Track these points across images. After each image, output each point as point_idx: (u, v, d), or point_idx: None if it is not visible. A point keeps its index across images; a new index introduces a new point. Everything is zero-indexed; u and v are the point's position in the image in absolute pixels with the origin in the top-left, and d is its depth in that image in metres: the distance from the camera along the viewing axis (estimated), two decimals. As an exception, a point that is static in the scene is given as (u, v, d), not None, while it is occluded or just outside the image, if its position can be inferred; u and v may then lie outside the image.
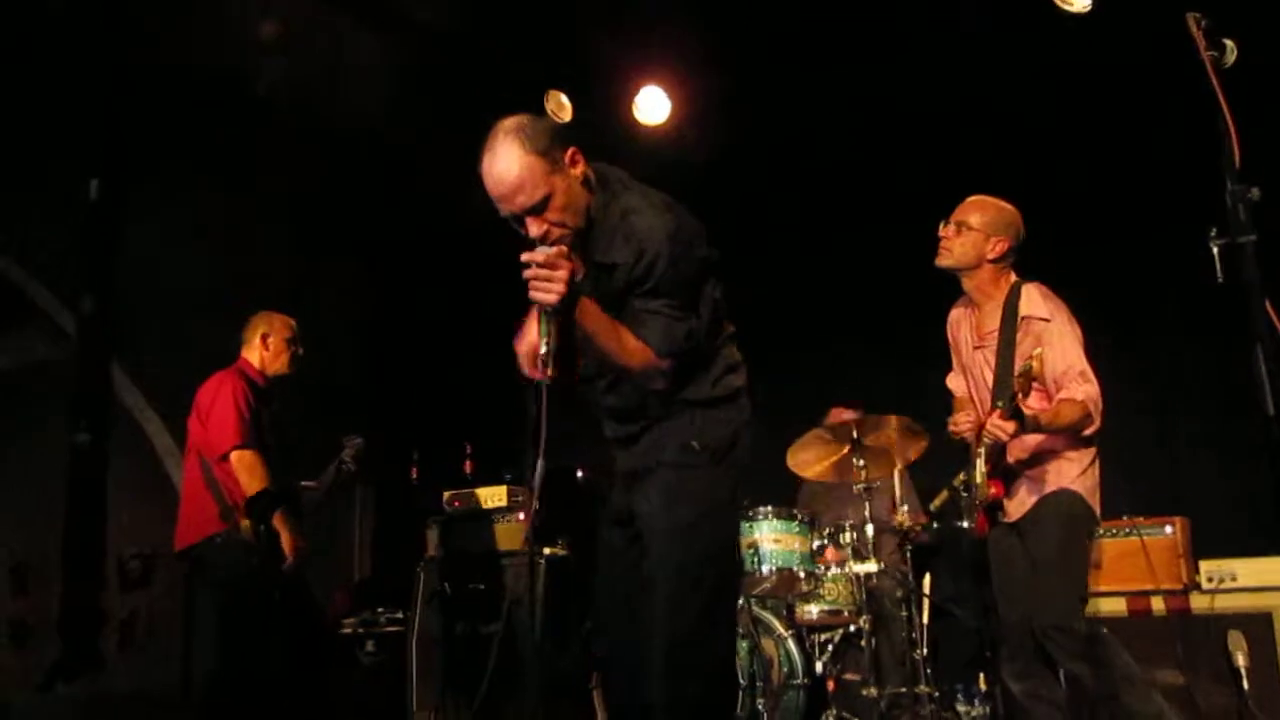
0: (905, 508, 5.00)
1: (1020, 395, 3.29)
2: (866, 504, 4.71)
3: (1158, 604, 4.50)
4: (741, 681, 4.41)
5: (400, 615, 6.26)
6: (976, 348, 3.70)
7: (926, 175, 6.21)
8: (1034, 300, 3.54)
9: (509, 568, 5.66)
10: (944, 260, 3.68)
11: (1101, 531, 4.50)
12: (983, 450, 3.57)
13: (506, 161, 2.52)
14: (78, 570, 2.89)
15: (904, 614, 4.75)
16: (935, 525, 5.02)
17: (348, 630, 6.30)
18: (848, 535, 4.85)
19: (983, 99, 5.77)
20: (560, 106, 6.38)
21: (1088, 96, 5.54)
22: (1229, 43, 2.24)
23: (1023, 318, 3.52)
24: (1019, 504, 3.55)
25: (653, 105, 6.30)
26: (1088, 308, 3.74)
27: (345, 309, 7.39)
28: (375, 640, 6.38)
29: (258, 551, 4.31)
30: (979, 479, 3.59)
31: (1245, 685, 4.27)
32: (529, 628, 5.43)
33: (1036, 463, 3.53)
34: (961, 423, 3.68)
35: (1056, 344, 3.44)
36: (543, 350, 2.49)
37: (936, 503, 5.07)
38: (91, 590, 2.95)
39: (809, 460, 5.02)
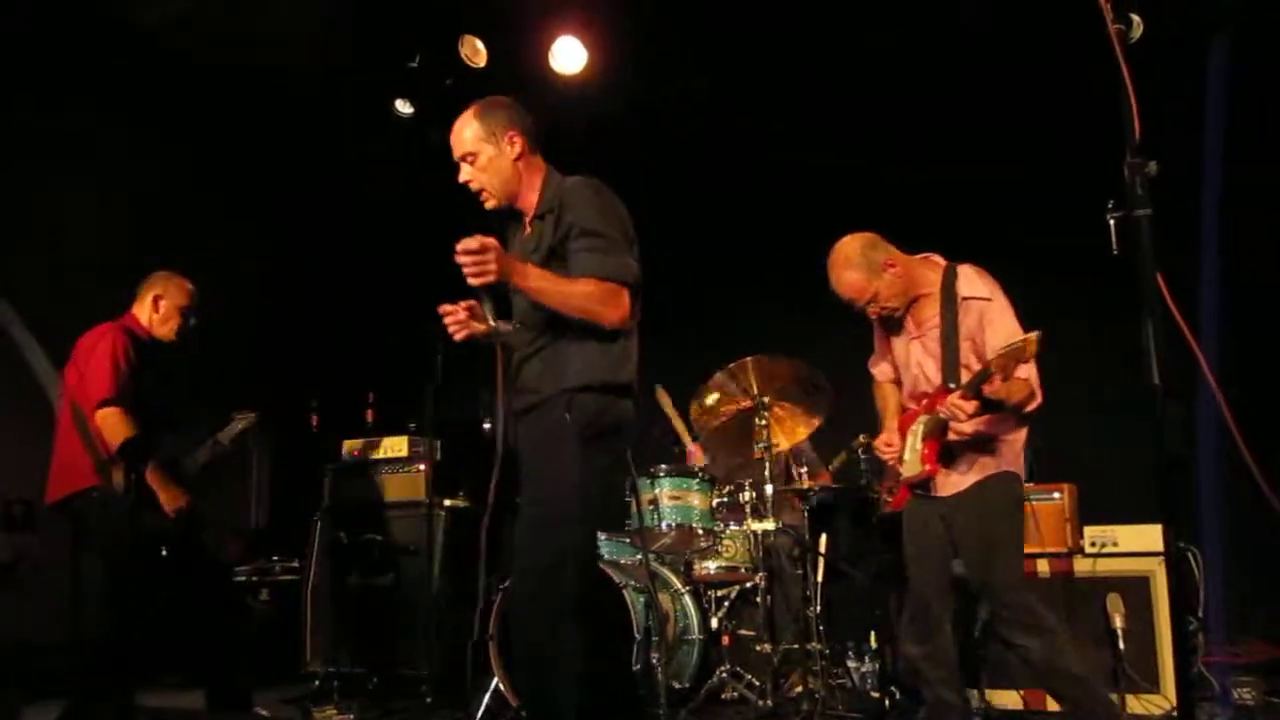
0: (805, 469, 5.05)
1: (1000, 376, 3.26)
2: (766, 462, 4.74)
3: (1043, 566, 4.64)
4: (636, 635, 4.42)
5: (295, 564, 6.17)
6: (914, 339, 3.69)
7: (836, 137, 6.27)
8: (972, 281, 3.55)
9: (406, 518, 5.61)
10: (895, 315, 3.69)
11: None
12: (920, 428, 3.59)
13: (460, 117, 3.16)
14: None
15: (799, 572, 4.81)
16: (834, 485, 5.09)
17: (241, 578, 6.20)
18: (747, 494, 4.87)
19: (892, 60, 5.82)
20: (475, 51, 6.24)
21: (993, 67, 5.62)
22: (1135, 17, 2.26)
23: (963, 299, 3.52)
24: (952, 481, 3.57)
25: (569, 55, 6.19)
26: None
27: (246, 254, 7.19)
28: (270, 589, 6.29)
29: (137, 504, 4.16)
30: (909, 455, 3.61)
31: (1121, 645, 4.44)
32: (425, 579, 5.41)
33: (976, 442, 3.54)
34: (887, 451, 3.72)
35: (998, 322, 3.46)
36: (492, 324, 2.94)
37: (835, 463, 5.15)
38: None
39: (709, 418, 5.02)
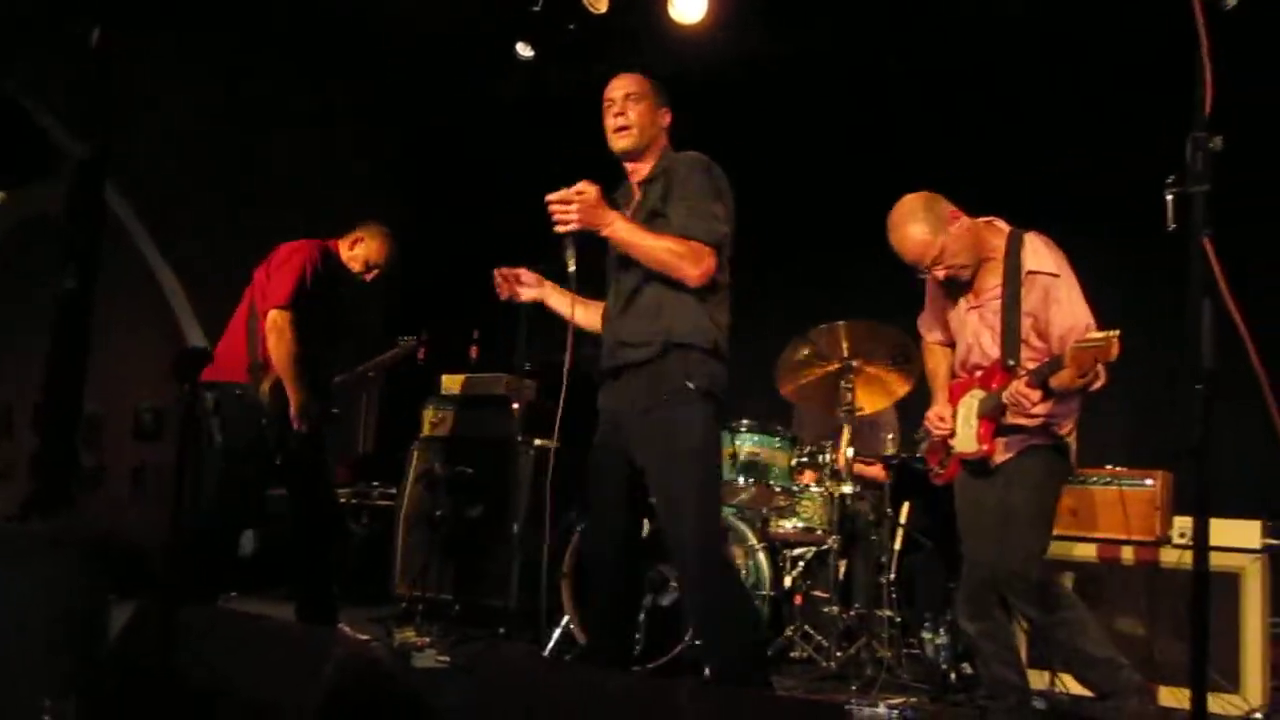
0: (890, 435, 4.98)
1: (1075, 370, 3.06)
2: (848, 426, 4.69)
3: (1128, 554, 4.47)
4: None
5: (393, 491, 6.39)
6: (972, 308, 3.49)
7: (956, 98, 6.10)
8: (1040, 253, 3.31)
9: (497, 454, 5.73)
10: (963, 277, 3.46)
11: (1083, 478, 4.49)
12: (975, 404, 3.44)
13: (631, 72, 3.33)
14: (53, 415, 2.96)
15: (874, 538, 4.77)
16: (919, 456, 5.00)
17: (342, 501, 6.45)
18: (827, 456, 4.83)
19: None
20: (596, -3, 6.24)
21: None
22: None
23: (1028, 272, 3.30)
24: (1000, 454, 3.44)
25: (689, 3, 6.14)
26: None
27: (369, 191, 7.39)
28: (368, 513, 6.54)
29: (268, 415, 4.38)
30: (963, 430, 3.49)
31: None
32: (511, 514, 5.55)
33: (1031, 418, 3.37)
34: (940, 427, 3.58)
35: (1065, 301, 3.25)
36: (570, 268, 3.09)
37: (922, 433, 5.06)
38: (65, 434, 3.02)
39: (795, 375, 4.98)
